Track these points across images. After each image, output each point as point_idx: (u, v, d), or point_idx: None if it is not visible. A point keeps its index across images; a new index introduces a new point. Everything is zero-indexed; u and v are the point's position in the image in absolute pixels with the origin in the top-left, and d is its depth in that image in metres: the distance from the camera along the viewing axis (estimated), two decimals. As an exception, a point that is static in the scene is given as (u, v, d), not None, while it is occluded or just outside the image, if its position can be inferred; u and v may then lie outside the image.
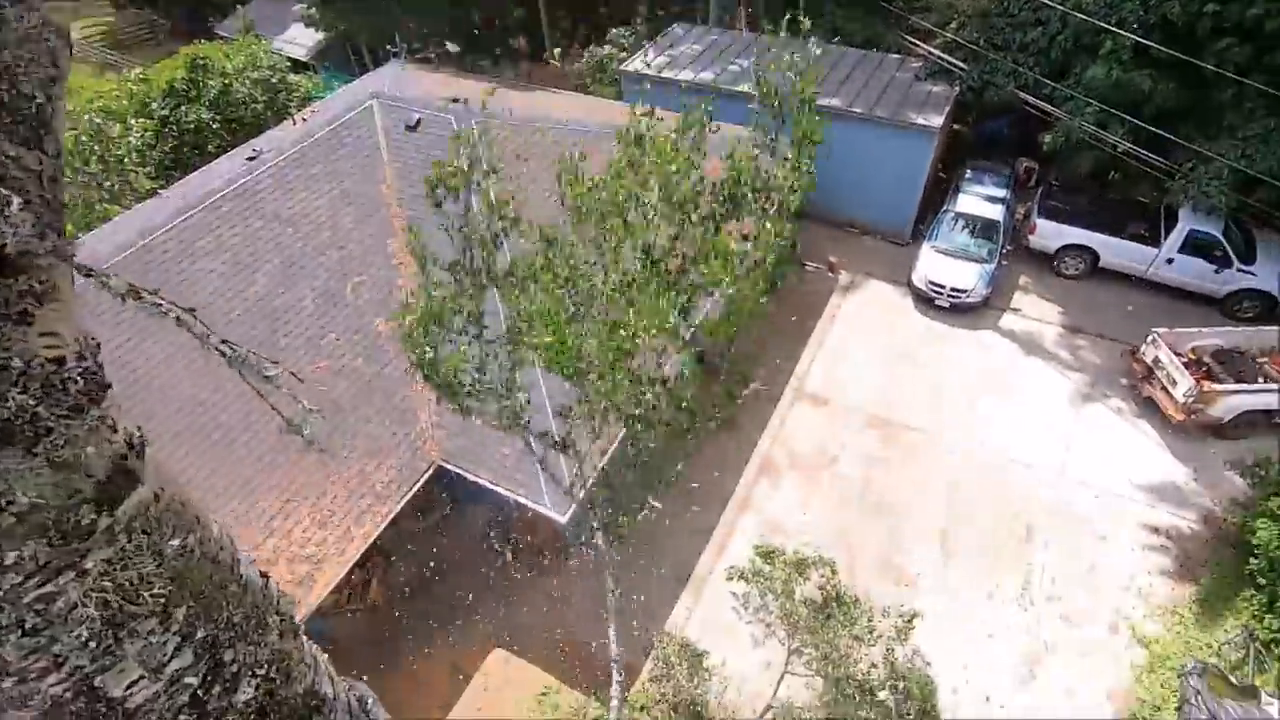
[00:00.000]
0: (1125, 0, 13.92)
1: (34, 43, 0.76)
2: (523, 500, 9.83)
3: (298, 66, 24.30)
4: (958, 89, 16.81)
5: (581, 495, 9.59)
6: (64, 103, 0.82)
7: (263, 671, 1.05)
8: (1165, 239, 15.28)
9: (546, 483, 9.70)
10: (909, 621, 8.03)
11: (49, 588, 0.79)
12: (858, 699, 7.60)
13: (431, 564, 11.73)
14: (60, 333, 0.81)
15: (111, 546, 0.85)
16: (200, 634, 0.95)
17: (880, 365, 14.86)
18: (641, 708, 9.77)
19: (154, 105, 16.70)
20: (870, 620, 8.06)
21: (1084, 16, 14.16)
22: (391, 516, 9.63)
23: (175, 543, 0.93)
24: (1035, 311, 15.94)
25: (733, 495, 12.63)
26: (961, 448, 13.26)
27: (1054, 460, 13.01)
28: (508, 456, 10.05)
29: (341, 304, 11.11)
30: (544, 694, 10.48)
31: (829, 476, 12.94)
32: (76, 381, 0.82)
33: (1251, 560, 10.79)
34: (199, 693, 0.94)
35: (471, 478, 10.10)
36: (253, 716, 1.02)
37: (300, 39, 27.31)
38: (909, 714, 7.63)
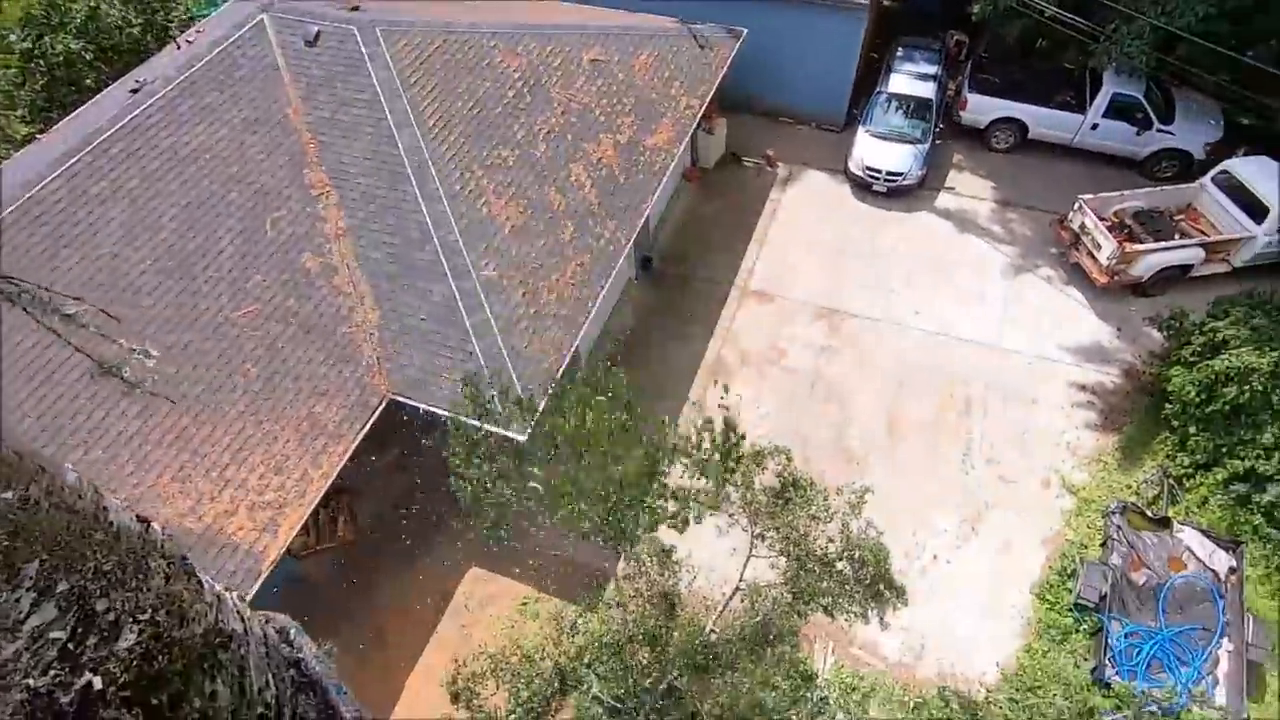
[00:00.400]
0: None
1: None
2: (480, 424, 9.82)
3: (173, -19, 21.83)
4: (885, -39, 16.20)
5: (539, 413, 9.65)
6: None
7: (145, 616, 1.04)
8: (1090, 105, 15.47)
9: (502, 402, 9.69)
10: (861, 497, 8.51)
11: None
12: (818, 572, 8.13)
13: (398, 495, 11.80)
14: None
15: None
16: (62, 586, 0.92)
17: (822, 256, 15.01)
18: (619, 604, 10.29)
19: (12, 38, 14.90)
20: (826, 500, 8.52)
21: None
22: (349, 455, 9.55)
23: (8, 495, 0.89)
24: (969, 189, 16.17)
25: (687, 400, 12.88)
26: (903, 329, 13.71)
27: (989, 333, 13.58)
28: (459, 383, 9.96)
29: (263, 242, 10.53)
30: (524, 604, 10.91)
31: (779, 371, 13.28)
32: None
33: (1166, 406, 11.66)
34: (70, 646, 0.92)
35: (425, 408, 10.02)
36: (137, 661, 1.01)
37: (170, -52, 24.38)
38: (865, 579, 8.22)
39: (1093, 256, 13.64)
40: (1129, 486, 11.57)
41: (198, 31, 13.70)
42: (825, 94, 17.08)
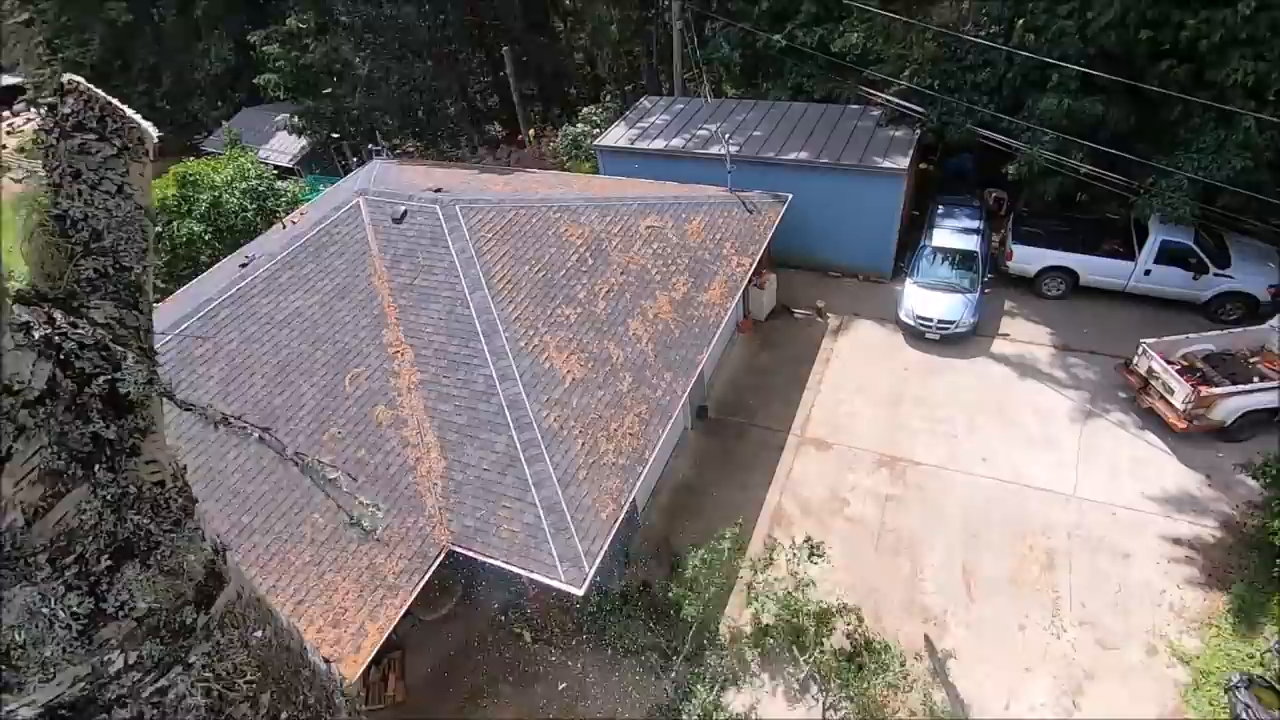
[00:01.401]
0: (1063, 36, 14.67)
1: (130, 225, 0.90)
2: (536, 576, 9.69)
3: (284, 173, 25.18)
4: (919, 131, 17.49)
5: (595, 568, 9.49)
6: (152, 268, 0.96)
7: None
8: (1140, 252, 15.64)
9: (560, 557, 9.60)
10: (943, 663, 7.85)
11: (163, 682, 0.88)
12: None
13: (450, 652, 11.45)
14: (158, 459, 0.92)
15: (209, 641, 0.94)
16: (283, 716, 1.03)
17: (880, 402, 14.93)
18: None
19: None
20: (903, 665, 7.88)
21: (1027, 54, 14.88)
22: (405, 608, 9.47)
23: (259, 634, 1.02)
24: (1024, 334, 16.15)
25: (747, 552, 12.45)
26: (971, 477, 13.20)
27: (1064, 481, 12.93)
28: (517, 534, 9.97)
29: (341, 397, 11.22)
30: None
31: (842, 522, 12.82)
32: (176, 499, 0.93)
33: (1278, 562, 10.62)
34: None
35: (483, 558, 9.99)
36: None
37: (285, 147, 28.38)
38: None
39: (1166, 401, 13.16)
40: (1250, 656, 10.30)
41: (301, 213, 15.57)
42: (871, 249, 17.85)
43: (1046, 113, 15.07)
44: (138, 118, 0.94)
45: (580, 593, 9.46)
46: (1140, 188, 14.91)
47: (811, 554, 9.66)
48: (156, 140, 1.10)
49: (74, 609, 0.82)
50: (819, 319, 17.28)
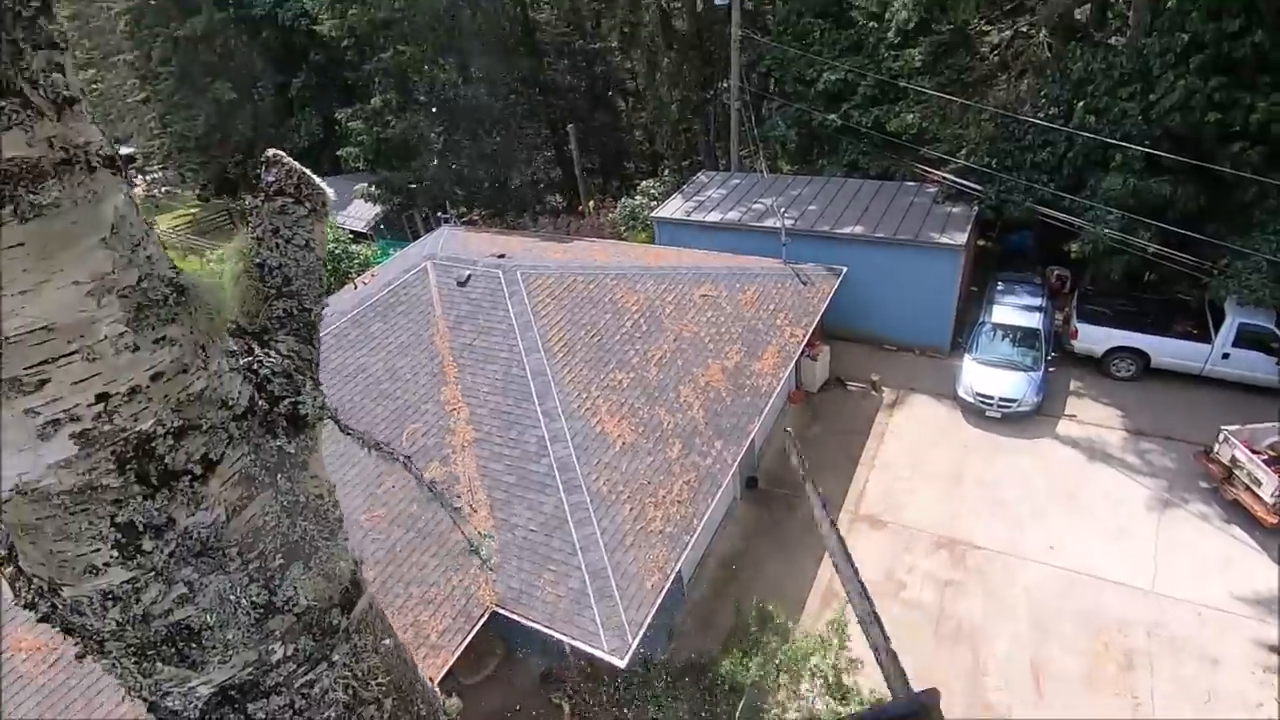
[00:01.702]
0: (1126, 116, 14.62)
1: (312, 273, 1.06)
2: (579, 644, 9.49)
3: (359, 237, 26.72)
4: (976, 208, 17.46)
5: (639, 638, 9.26)
6: (323, 309, 1.12)
7: None
8: (1216, 335, 14.99)
9: (604, 625, 9.41)
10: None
11: (311, 675, 0.99)
12: None
13: (492, 716, 11.18)
14: (319, 475, 1.05)
15: (348, 643, 1.04)
16: None
17: (938, 481, 14.41)
18: None
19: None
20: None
21: (1088, 135, 14.86)
22: (447, 668, 9.37)
23: (387, 642, 1.11)
24: (1093, 416, 15.48)
25: (796, 631, 11.94)
26: (1037, 565, 12.48)
27: (1141, 575, 12.09)
28: (562, 598, 9.85)
29: (398, 450, 11.48)
30: None
31: (899, 606, 12.22)
32: (332, 510, 1.05)
33: (1394, 680, 9.58)
34: None
35: (526, 621, 9.86)
36: None
37: (361, 213, 30.21)
38: None
39: (1253, 493, 12.32)
40: (1368, 786, 9.20)
41: (372, 275, 16.42)
42: (928, 324, 17.63)
43: (1110, 192, 14.88)
44: (323, 184, 1.13)
45: (623, 664, 9.20)
46: (1214, 269, 14.42)
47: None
48: (334, 200, 1.29)
49: (253, 599, 0.93)
50: (873, 392, 16.98)
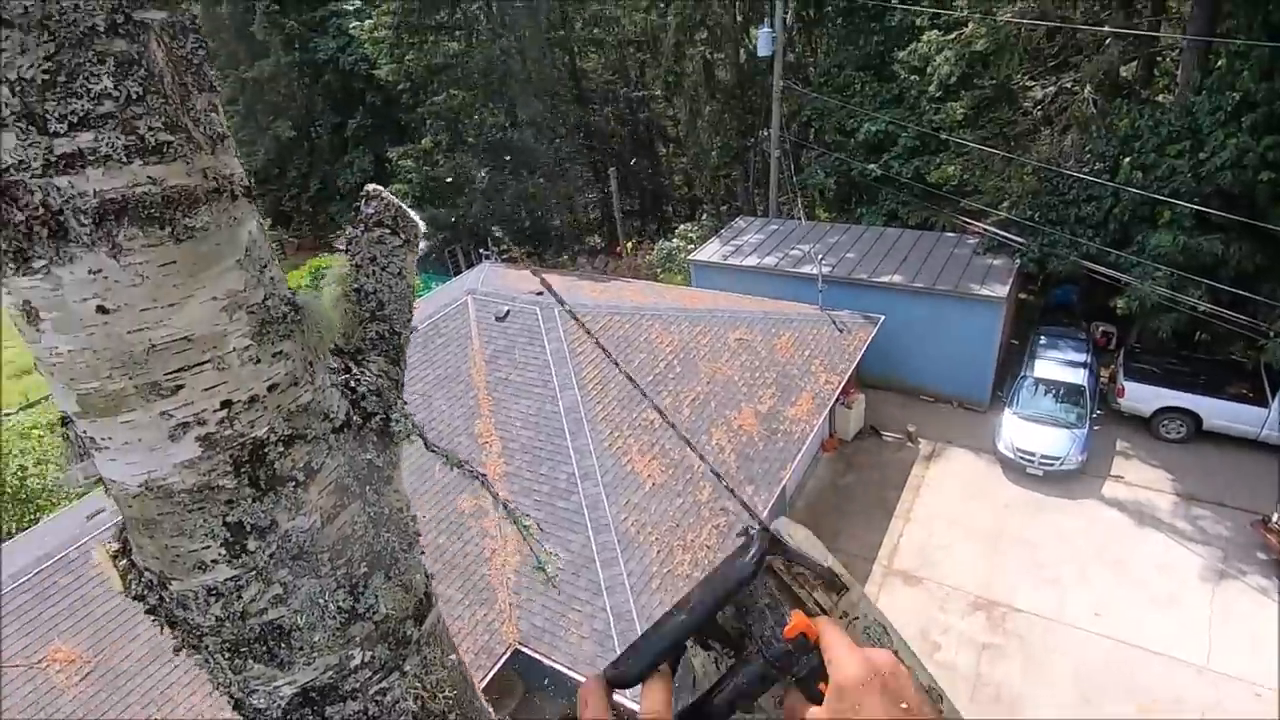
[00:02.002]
0: (1175, 174, 14.44)
1: (404, 299, 1.14)
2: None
3: (402, 270, 27.39)
4: (1018, 261, 17.28)
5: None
6: (411, 333, 1.20)
7: None
8: (1274, 399, 14.43)
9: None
10: None
11: (385, 683, 1.03)
12: None
13: (503, 762, 10.96)
14: (400, 490, 1.11)
15: (419, 655, 1.08)
16: None
17: (975, 539, 13.97)
18: None
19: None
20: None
21: (1136, 190, 14.68)
22: (466, 705, 9.25)
23: (453, 658, 1.15)
24: (1141, 478, 14.92)
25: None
26: (1082, 633, 11.93)
27: (1195, 649, 11.47)
28: (585, 639, 9.71)
29: (429, 481, 11.60)
30: None
31: (933, 666, 11.73)
32: (411, 524, 1.11)
33: None
34: None
35: (549, 662, 9.73)
36: None
37: (405, 247, 31.07)
38: None
39: (1316, 566, 11.68)
40: None
41: (415, 308, 16.83)
42: (967, 376, 17.32)
43: (1159, 249, 14.62)
44: (416, 216, 1.22)
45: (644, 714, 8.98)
46: (1271, 330, 13.97)
47: None
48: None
49: (339, 604, 0.98)
50: (909, 444, 16.65)
